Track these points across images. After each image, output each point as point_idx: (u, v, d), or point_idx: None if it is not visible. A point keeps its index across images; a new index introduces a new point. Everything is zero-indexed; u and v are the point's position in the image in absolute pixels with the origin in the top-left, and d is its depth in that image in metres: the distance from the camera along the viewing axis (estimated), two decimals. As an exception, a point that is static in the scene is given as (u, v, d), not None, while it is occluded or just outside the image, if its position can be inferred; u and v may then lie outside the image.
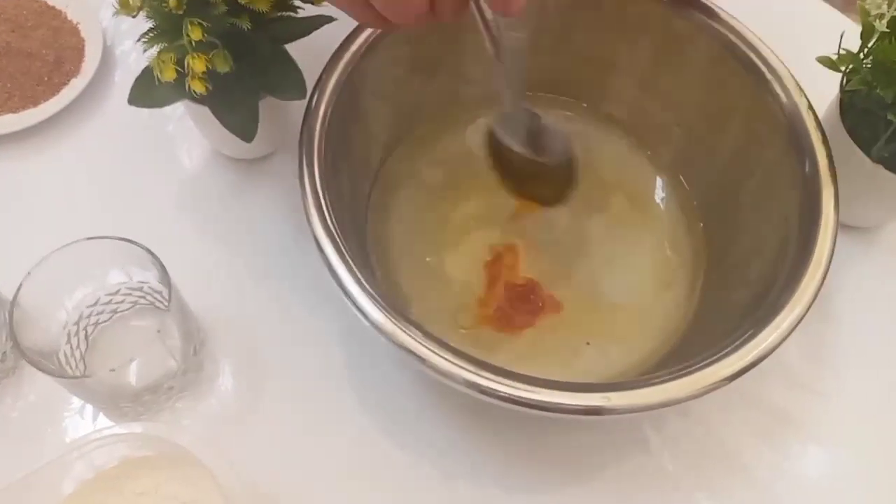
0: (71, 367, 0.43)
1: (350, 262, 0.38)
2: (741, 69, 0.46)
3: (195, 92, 0.41)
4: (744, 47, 0.46)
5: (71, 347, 0.44)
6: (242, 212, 0.51)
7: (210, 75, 0.41)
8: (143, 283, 0.45)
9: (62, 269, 0.41)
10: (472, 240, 0.50)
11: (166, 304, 0.40)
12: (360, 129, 0.48)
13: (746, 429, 0.46)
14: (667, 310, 0.48)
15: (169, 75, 0.40)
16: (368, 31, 0.45)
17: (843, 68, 0.47)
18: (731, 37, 0.47)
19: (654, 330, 0.47)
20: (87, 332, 0.45)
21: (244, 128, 0.45)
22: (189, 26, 0.39)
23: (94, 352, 0.45)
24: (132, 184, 0.52)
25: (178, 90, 0.42)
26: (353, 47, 0.45)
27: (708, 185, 0.51)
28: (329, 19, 0.45)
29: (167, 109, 0.47)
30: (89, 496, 0.37)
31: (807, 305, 0.39)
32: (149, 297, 0.46)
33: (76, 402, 0.44)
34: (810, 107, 0.44)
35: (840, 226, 0.41)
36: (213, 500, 0.36)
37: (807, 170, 0.43)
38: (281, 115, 0.50)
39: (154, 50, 0.42)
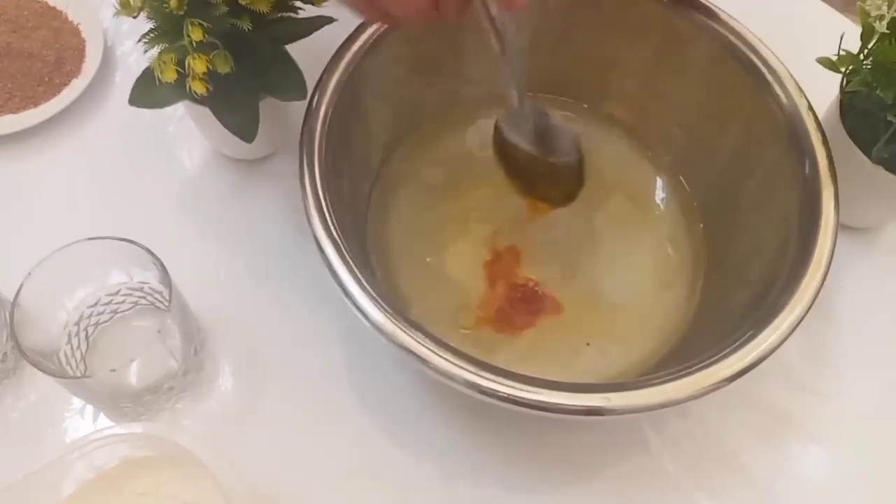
0: (71, 368, 0.43)
1: (350, 262, 0.38)
2: (741, 70, 0.47)
3: (196, 92, 0.41)
4: (744, 48, 0.46)
5: (71, 348, 0.44)
6: (243, 212, 0.51)
7: (211, 76, 0.41)
8: (143, 283, 0.45)
9: (63, 270, 0.41)
10: (473, 240, 0.50)
11: (167, 304, 0.40)
12: (361, 129, 0.48)
13: (746, 429, 0.46)
14: (667, 310, 0.48)
15: (170, 76, 0.40)
16: (369, 31, 0.45)
17: (843, 69, 0.47)
18: (732, 37, 0.47)
19: (654, 330, 0.47)
20: (87, 332, 0.45)
21: (245, 128, 0.45)
22: (190, 27, 0.39)
23: (94, 352, 0.45)
24: (133, 184, 0.52)
25: (179, 91, 0.42)
26: (354, 48, 0.45)
27: (708, 186, 0.51)
28: (329, 20, 0.46)
29: (168, 110, 0.47)
30: (90, 496, 0.37)
31: (807, 306, 0.39)
32: (149, 298, 0.46)
33: (77, 402, 0.45)
34: (810, 108, 0.44)
35: (840, 226, 0.41)
36: (214, 500, 0.36)
37: (807, 170, 0.43)
38: (281, 116, 0.50)
39: (155, 50, 0.42)
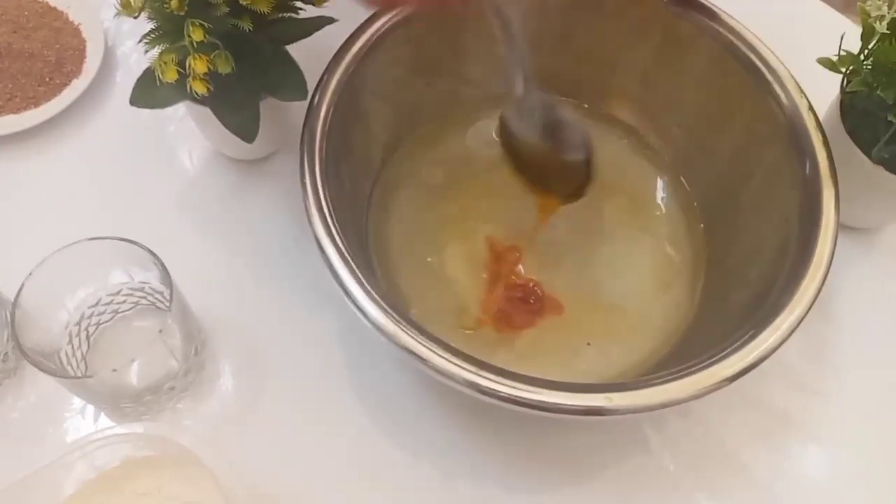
0: (72, 368, 0.43)
1: (351, 262, 0.38)
2: (742, 70, 0.47)
3: (196, 93, 0.41)
4: (744, 48, 0.46)
5: (72, 348, 0.44)
6: (243, 212, 0.51)
7: (211, 76, 0.41)
8: (144, 283, 0.45)
9: (64, 270, 0.41)
10: (473, 240, 0.50)
11: (168, 304, 0.40)
12: (361, 129, 0.48)
13: (747, 429, 0.46)
14: (667, 310, 0.48)
15: (170, 76, 0.41)
16: (370, 31, 0.46)
17: (843, 69, 0.47)
18: (732, 38, 0.47)
19: (654, 330, 0.47)
20: (88, 332, 0.45)
21: (245, 128, 0.45)
22: (190, 27, 0.39)
23: (95, 352, 0.45)
24: (133, 184, 0.52)
25: (180, 91, 0.42)
26: (355, 48, 0.45)
27: (708, 186, 0.51)
28: (330, 20, 0.46)
29: (168, 110, 0.48)
30: (91, 496, 0.37)
31: (807, 306, 0.39)
32: (150, 298, 0.46)
33: (77, 402, 0.45)
34: (811, 108, 0.44)
35: (840, 226, 0.41)
36: (215, 500, 0.36)
37: (807, 171, 0.43)
38: (282, 116, 0.50)
39: (156, 51, 0.42)
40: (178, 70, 0.40)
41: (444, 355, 0.36)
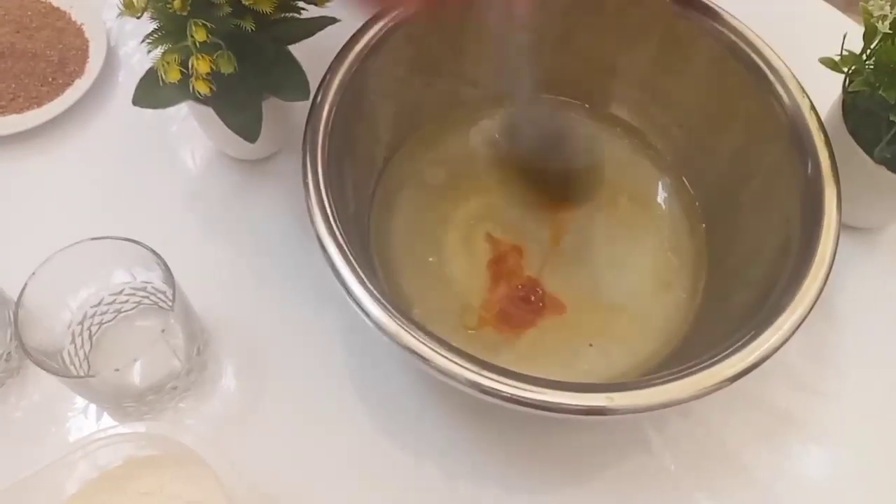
0: (75, 367, 0.43)
1: (353, 262, 0.38)
2: (743, 70, 0.47)
3: (199, 93, 0.41)
4: (746, 48, 0.46)
5: (75, 347, 0.44)
6: (246, 212, 0.51)
7: (214, 76, 0.41)
8: (146, 283, 0.45)
9: (66, 269, 0.41)
10: (475, 240, 0.50)
11: (170, 304, 0.40)
12: (364, 129, 0.48)
13: (748, 429, 0.46)
14: (669, 310, 0.48)
15: (173, 76, 0.41)
16: (372, 31, 0.46)
17: (845, 69, 0.47)
18: (734, 38, 0.47)
19: (655, 331, 0.47)
20: (91, 331, 0.45)
21: (248, 128, 0.45)
22: (193, 27, 0.39)
23: (98, 351, 0.45)
24: (136, 184, 0.52)
25: (182, 91, 0.42)
26: (357, 48, 0.45)
27: (710, 186, 0.51)
28: (332, 20, 0.46)
29: (171, 110, 0.48)
30: (93, 496, 0.37)
31: (809, 306, 0.39)
32: (153, 297, 0.46)
33: (80, 401, 0.45)
34: (813, 108, 0.44)
35: (842, 226, 0.41)
36: (217, 499, 0.36)
37: (809, 170, 0.43)
38: (284, 116, 0.50)
39: (158, 51, 0.42)
40: (180, 70, 0.41)
41: (447, 355, 0.36)
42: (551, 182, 0.48)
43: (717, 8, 0.47)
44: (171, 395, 0.44)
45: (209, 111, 0.45)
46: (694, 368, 0.37)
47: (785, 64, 0.46)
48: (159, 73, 0.41)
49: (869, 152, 0.46)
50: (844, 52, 0.47)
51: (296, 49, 0.46)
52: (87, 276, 0.43)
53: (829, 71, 0.47)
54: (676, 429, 0.46)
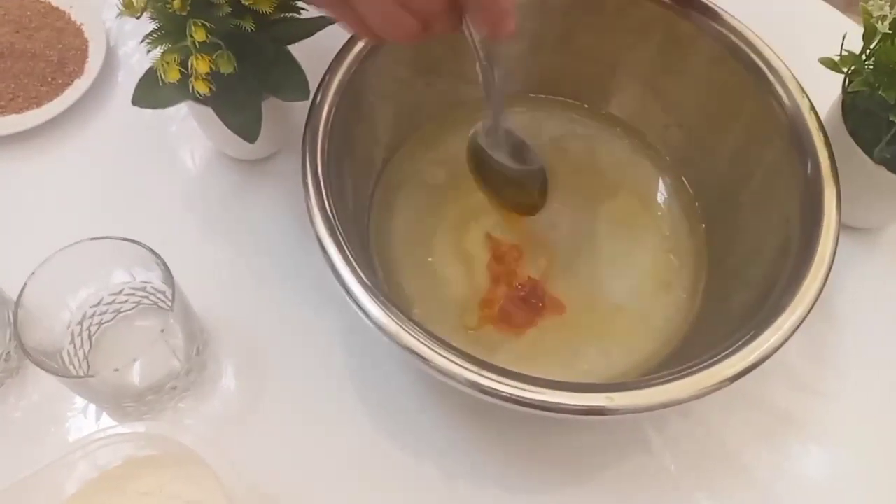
0: (74, 367, 0.43)
1: (353, 262, 0.38)
2: (743, 70, 0.47)
3: (199, 93, 0.41)
4: (746, 48, 0.46)
5: (74, 347, 0.44)
6: (245, 212, 0.51)
7: (213, 76, 0.41)
8: (146, 283, 0.45)
9: (66, 269, 0.41)
10: (475, 240, 0.50)
11: (170, 304, 0.40)
12: (363, 129, 0.48)
13: (748, 429, 0.46)
14: (668, 311, 0.48)
15: (173, 76, 0.41)
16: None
17: (845, 70, 0.47)
18: (733, 38, 0.47)
19: (655, 331, 0.47)
20: (90, 331, 0.45)
21: (247, 128, 0.45)
22: (193, 27, 0.39)
23: (97, 351, 0.45)
24: (135, 184, 0.52)
25: (182, 91, 0.42)
26: (357, 48, 0.45)
27: (710, 186, 0.51)
28: (332, 20, 0.45)
29: (170, 110, 0.48)
30: (93, 496, 0.37)
31: (808, 306, 0.39)
32: (152, 297, 0.46)
33: (79, 401, 0.45)
34: (812, 108, 0.44)
35: (842, 226, 0.41)
36: (217, 499, 0.36)
37: (809, 171, 0.43)
38: (284, 116, 0.50)
39: (158, 51, 0.42)
40: (180, 70, 0.41)
41: (446, 355, 0.36)
42: (512, 196, 0.49)
43: (717, 8, 0.47)
44: (171, 395, 0.44)
45: (209, 111, 0.45)
46: (694, 368, 0.37)
47: (785, 64, 0.46)
48: (159, 73, 0.41)
49: (868, 152, 0.46)
50: (844, 53, 0.47)
51: (295, 49, 0.46)
52: (87, 276, 0.43)
53: (828, 71, 0.47)
54: (676, 429, 0.46)
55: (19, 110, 0.54)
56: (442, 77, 0.52)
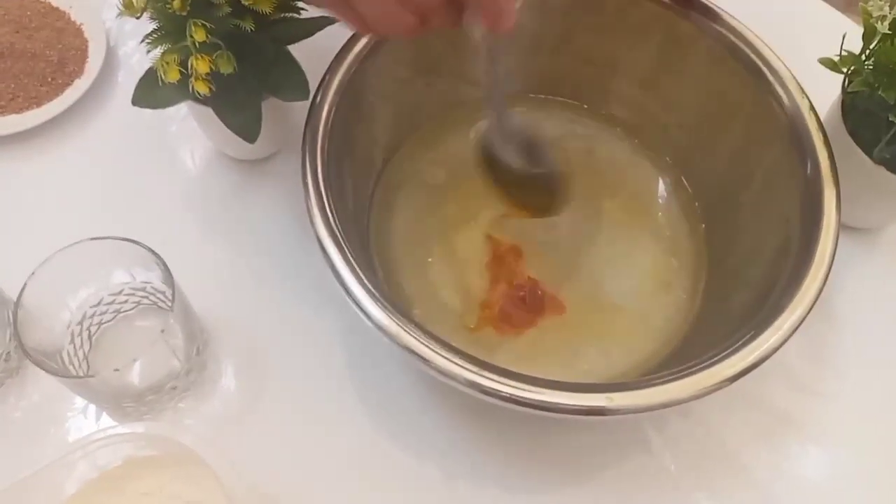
0: (74, 367, 0.43)
1: (353, 262, 0.38)
2: (743, 70, 0.47)
3: (198, 93, 0.41)
4: (745, 49, 0.46)
5: (74, 347, 0.44)
6: (245, 212, 0.51)
7: (213, 76, 0.41)
8: (146, 283, 0.45)
9: (66, 270, 0.41)
10: (475, 240, 0.50)
11: (170, 304, 0.40)
12: (363, 129, 0.48)
13: (747, 429, 0.46)
14: (668, 311, 0.48)
15: (172, 76, 0.41)
16: (371, 32, 0.46)
17: (844, 70, 0.47)
18: (733, 38, 0.47)
19: (655, 331, 0.47)
20: (90, 331, 0.45)
21: (247, 128, 0.45)
22: (193, 27, 0.39)
23: (97, 352, 0.45)
24: (135, 184, 0.52)
25: (182, 91, 0.42)
26: (357, 48, 0.45)
27: (709, 187, 0.51)
28: (332, 20, 0.46)
29: (170, 110, 0.48)
30: (93, 496, 0.37)
31: (808, 306, 0.39)
32: (152, 298, 0.46)
33: (79, 401, 0.45)
34: (812, 108, 0.44)
35: (841, 227, 0.41)
36: (217, 499, 0.36)
37: (808, 171, 0.43)
38: (284, 116, 0.50)
39: (158, 51, 0.42)
40: (180, 70, 0.41)
41: (447, 355, 0.36)
42: (526, 196, 0.48)
43: (717, 8, 0.47)
44: (171, 395, 0.44)
45: (209, 111, 0.45)
46: (694, 368, 0.37)
47: (784, 64, 0.46)
48: (159, 74, 0.41)
49: (868, 153, 0.46)
50: (844, 53, 0.47)
51: (295, 49, 0.46)
52: (87, 277, 0.43)
53: (828, 71, 0.47)
54: (676, 429, 0.46)
55: (19, 110, 0.54)
56: (442, 77, 0.52)
